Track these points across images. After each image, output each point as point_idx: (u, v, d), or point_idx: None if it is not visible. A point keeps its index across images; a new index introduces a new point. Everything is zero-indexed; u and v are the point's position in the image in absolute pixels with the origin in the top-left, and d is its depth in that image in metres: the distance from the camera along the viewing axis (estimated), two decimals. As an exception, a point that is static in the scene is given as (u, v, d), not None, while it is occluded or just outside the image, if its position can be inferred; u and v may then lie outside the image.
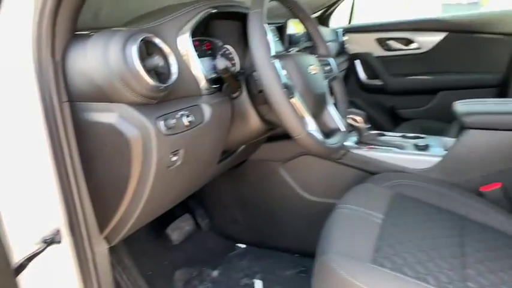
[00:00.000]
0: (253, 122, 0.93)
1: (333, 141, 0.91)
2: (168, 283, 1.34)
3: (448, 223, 0.91)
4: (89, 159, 0.72)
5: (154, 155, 0.70)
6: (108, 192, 0.75)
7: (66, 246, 0.72)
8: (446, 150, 1.19)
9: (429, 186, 1.08)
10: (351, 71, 2.38)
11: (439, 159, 1.16)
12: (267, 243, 1.55)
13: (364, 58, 2.32)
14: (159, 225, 1.43)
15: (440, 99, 2.15)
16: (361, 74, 2.35)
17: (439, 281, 0.72)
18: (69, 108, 0.68)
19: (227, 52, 1.05)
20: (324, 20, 2.29)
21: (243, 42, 1.04)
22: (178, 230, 1.38)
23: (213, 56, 0.99)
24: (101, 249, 0.80)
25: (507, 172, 1.06)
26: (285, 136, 1.33)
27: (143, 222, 0.85)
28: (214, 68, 0.92)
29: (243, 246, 1.60)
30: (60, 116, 0.66)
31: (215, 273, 1.42)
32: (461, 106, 1.17)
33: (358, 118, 1.25)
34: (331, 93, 1.08)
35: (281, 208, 1.44)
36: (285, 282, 1.35)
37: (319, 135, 0.84)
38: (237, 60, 1.05)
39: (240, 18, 1.01)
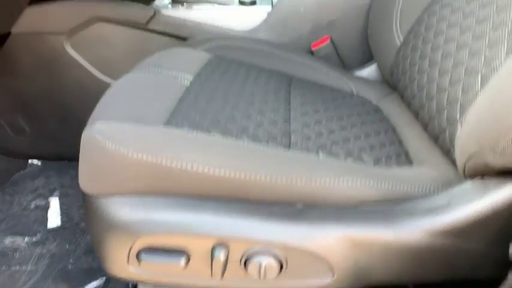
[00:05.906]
0: None
1: None
2: None
3: (272, 82, 0.72)
4: None
5: None
6: None
7: None
8: (274, 5, 0.98)
9: (254, 47, 0.87)
10: None
11: (265, 15, 0.94)
12: (72, 153, 1.18)
13: None
14: None
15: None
16: None
17: (258, 136, 0.51)
18: None
19: None
20: None
21: None
22: None
23: None
24: None
25: (335, 23, 0.92)
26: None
27: None
28: None
29: (38, 162, 1.19)
30: None
31: (-11, 201, 1.01)
32: None
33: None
34: None
35: (79, 102, 1.06)
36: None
37: None
38: None
39: None
